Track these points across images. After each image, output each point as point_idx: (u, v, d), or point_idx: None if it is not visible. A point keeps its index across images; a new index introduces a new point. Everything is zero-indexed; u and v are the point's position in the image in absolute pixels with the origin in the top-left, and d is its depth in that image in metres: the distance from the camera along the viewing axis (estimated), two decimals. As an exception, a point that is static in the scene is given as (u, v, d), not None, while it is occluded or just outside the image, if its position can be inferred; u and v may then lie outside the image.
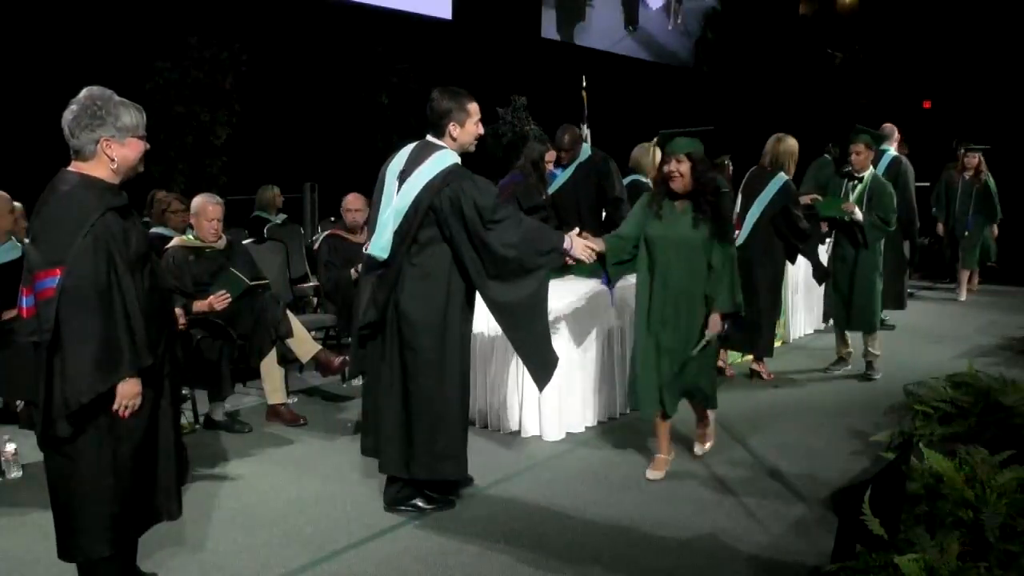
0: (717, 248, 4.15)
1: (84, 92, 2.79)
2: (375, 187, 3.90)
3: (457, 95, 3.78)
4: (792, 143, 6.04)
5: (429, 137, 3.82)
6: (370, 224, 3.92)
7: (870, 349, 6.15)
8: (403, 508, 3.91)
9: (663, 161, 4.25)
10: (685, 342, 4.18)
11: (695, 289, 4.16)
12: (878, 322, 6.13)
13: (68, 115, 2.76)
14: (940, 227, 9.51)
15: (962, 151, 9.36)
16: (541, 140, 6.48)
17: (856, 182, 6.04)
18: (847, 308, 6.12)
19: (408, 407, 3.77)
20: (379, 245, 3.76)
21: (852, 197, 5.98)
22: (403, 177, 3.75)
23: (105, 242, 2.68)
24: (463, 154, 3.85)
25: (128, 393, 2.76)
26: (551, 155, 6.04)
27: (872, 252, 6.00)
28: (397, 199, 3.75)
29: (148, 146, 2.90)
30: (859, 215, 5.93)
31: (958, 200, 9.29)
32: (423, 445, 3.77)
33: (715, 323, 4.16)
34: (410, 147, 3.85)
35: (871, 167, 6.07)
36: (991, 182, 9.26)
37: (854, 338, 6.33)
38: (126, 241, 2.75)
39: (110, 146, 2.76)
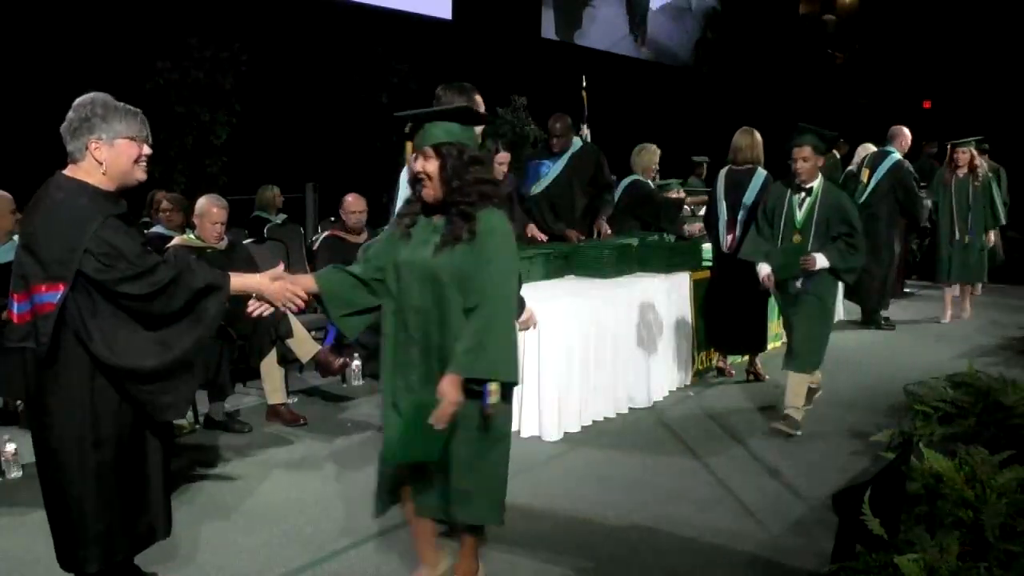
0: (478, 282, 2.77)
1: (80, 98, 2.76)
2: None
3: (465, 89, 3.81)
4: (759, 136, 5.94)
5: None
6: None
7: (810, 386, 5.12)
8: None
9: (413, 159, 2.93)
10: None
11: (445, 340, 2.82)
12: (821, 359, 5.05)
13: (64, 122, 2.74)
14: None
15: (949, 146, 8.28)
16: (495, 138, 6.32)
17: (803, 194, 4.94)
18: (793, 346, 5.02)
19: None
20: None
21: (799, 214, 4.93)
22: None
23: (107, 252, 2.61)
24: None
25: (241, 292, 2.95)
26: (503, 156, 5.98)
27: (832, 283, 5.05)
28: (402, 193, 3.82)
29: (147, 151, 2.81)
30: (822, 262, 4.80)
31: (953, 202, 8.13)
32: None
33: (446, 390, 2.70)
34: None
35: (821, 176, 4.94)
36: (992, 181, 8.24)
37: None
38: None
39: (99, 148, 2.70)
